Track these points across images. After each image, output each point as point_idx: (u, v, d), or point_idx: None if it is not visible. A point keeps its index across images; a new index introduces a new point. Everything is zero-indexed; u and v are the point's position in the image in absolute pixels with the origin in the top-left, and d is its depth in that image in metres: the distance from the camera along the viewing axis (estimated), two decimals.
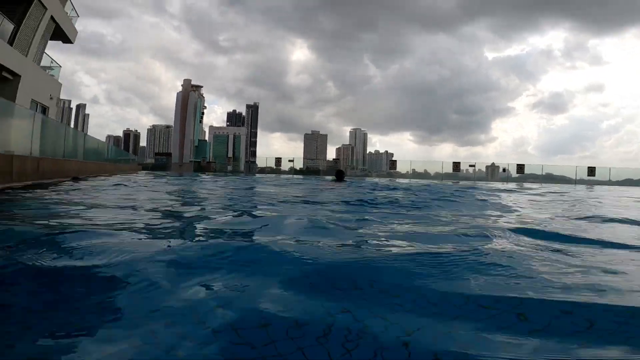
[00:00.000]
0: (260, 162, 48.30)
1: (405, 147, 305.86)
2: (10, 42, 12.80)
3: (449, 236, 3.00)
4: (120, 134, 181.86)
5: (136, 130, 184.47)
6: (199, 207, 4.91)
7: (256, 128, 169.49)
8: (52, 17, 15.36)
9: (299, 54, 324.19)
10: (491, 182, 29.83)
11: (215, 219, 3.80)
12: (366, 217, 4.09)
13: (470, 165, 37.45)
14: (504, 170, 36.69)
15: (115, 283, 1.65)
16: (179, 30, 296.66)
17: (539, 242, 2.79)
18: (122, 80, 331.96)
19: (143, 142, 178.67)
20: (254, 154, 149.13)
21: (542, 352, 1.14)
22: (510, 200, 8.11)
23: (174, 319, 1.32)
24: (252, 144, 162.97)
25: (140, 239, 2.64)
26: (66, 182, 9.56)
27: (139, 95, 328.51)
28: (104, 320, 1.33)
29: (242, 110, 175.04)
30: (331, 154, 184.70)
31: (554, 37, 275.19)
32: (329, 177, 20.88)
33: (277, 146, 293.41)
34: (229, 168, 51.91)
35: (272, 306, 1.41)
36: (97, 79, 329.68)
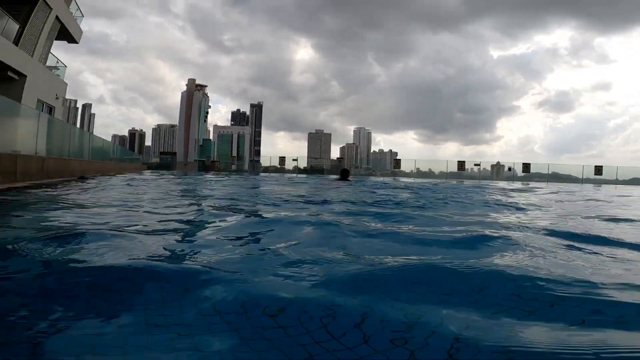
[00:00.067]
0: (265, 161, 48.46)
1: (409, 146, 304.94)
2: (16, 42, 12.87)
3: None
4: (126, 133, 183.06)
5: (141, 130, 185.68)
6: (209, 206, 4.88)
7: (260, 127, 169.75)
8: (57, 17, 15.43)
9: (303, 53, 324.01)
10: (497, 181, 29.61)
11: (232, 218, 3.77)
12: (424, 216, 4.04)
13: (475, 164, 37.20)
14: (509, 169, 36.40)
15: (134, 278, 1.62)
16: (183, 30, 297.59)
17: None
18: (127, 80, 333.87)
19: (148, 142, 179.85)
20: (258, 153, 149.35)
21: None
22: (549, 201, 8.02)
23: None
24: (256, 143, 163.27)
25: (142, 240, 2.61)
26: (71, 182, 9.59)
27: (144, 94, 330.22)
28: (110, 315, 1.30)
29: (246, 109, 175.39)
30: (335, 153, 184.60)
31: (560, 35, 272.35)
32: (334, 176, 20.84)
33: (281, 145, 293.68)
34: (233, 167, 51.97)
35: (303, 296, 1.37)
36: (103, 79, 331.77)
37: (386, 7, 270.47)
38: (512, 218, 4.60)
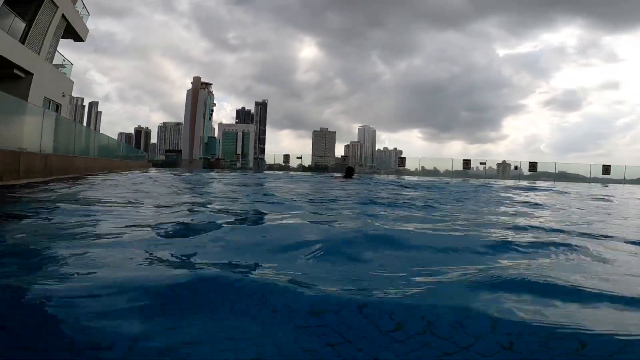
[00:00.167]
0: (269, 159, 48.42)
1: (414, 145, 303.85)
2: (22, 40, 12.97)
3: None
4: (132, 131, 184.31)
5: (147, 128, 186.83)
6: (217, 204, 4.89)
7: (265, 125, 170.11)
8: (63, 16, 15.52)
9: (307, 51, 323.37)
10: (502, 180, 29.36)
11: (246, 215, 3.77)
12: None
13: (480, 163, 36.95)
14: (515, 168, 36.04)
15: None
16: (188, 29, 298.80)
17: None
18: (133, 78, 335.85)
19: (154, 139, 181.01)
20: (262, 150, 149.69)
21: None
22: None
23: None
24: (261, 140, 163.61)
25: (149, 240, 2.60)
26: (72, 179, 9.65)
27: (150, 93, 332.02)
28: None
29: (251, 107, 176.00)
30: (340, 151, 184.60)
31: (567, 34, 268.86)
32: (338, 174, 20.81)
33: (285, 143, 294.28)
34: (238, 165, 52.16)
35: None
36: (109, 77, 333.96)
37: (391, 5, 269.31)
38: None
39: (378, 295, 1.56)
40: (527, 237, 3.03)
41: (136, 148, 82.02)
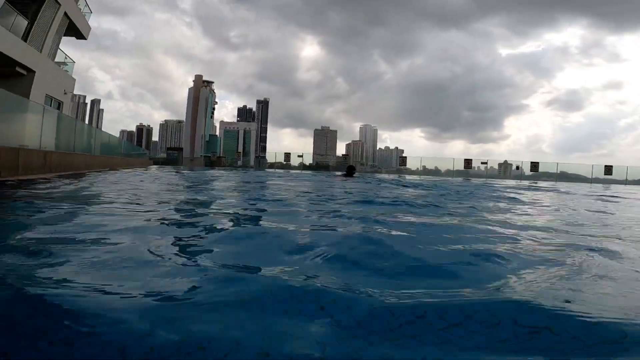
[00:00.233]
0: (270, 157, 48.45)
1: (415, 144, 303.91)
2: (25, 38, 12.99)
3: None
4: (134, 128, 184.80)
5: (149, 125, 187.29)
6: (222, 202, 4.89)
7: (266, 123, 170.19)
8: (65, 13, 15.54)
9: (309, 50, 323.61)
10: (504, 180, 29.30)
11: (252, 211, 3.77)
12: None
13: (482, 163, 36.83)
14: (517, 168, 35.93)
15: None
16: (190, 27, 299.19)
17: None
18: (135, 76, 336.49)
19: (155, 137, 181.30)
20: (264, 149, 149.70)
21: None
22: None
23: None
24: (262, 139, 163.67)
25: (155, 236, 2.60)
26: (72, 176, 9.67)
27: (152, 91, 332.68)
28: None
29: (253, 105, 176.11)
30: (341, 149, 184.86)
31: (570, 33, 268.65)
32: (340, 173, 20.80)
33: (287, 142, 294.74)
34: (239, 163, 52.14)
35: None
36: (112, 75, 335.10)
37: (393, 4, 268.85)
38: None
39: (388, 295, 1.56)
40: (528, 237, 3.02)
41: (138, 146, 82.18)
